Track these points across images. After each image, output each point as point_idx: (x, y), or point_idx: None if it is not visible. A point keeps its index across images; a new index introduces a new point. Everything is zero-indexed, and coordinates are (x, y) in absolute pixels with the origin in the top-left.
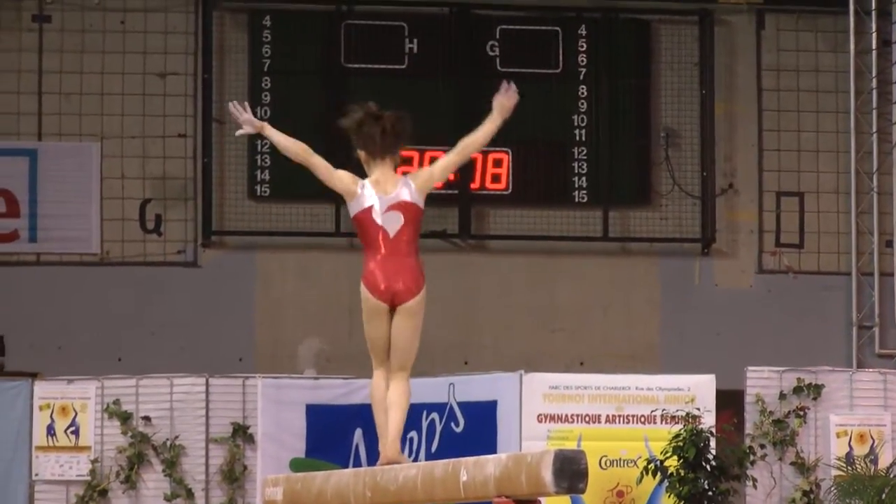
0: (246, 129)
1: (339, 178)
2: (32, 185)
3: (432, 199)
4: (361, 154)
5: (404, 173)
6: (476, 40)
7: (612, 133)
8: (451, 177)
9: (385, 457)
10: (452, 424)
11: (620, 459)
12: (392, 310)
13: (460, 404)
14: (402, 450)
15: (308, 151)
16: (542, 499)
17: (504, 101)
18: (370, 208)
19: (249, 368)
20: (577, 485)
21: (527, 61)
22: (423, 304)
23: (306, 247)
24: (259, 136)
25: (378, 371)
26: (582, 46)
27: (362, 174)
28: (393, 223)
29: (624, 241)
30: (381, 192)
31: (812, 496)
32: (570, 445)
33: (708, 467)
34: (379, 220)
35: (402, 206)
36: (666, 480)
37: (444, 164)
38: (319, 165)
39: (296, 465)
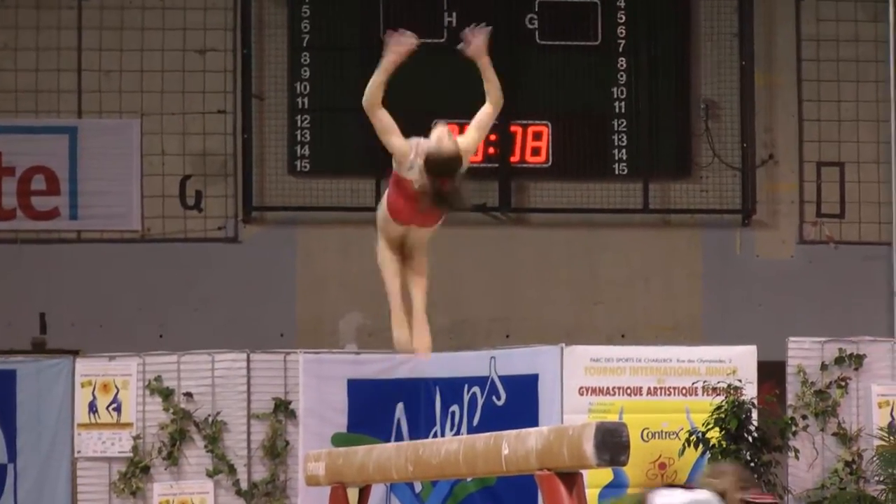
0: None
1: (398, 146)
2: (73, 163)
3: (472, 172)
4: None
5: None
6: (515, 13)
7: (652, 105)
8: (492, 150)
9: (402, 342)
10: (494, 398)
11: (662, 432)
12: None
13: (501, 378)
14: (444, 422)
15: (377, 105)
16: (583, 472)
17: (479, 44)
18: (412, 181)
19: (291, 344)
20: (618, 457)
21: (566, 34)
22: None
23: (347, 222)
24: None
25: (382, 245)
26: (621, 18)
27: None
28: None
29: (664, 213)
30: None
31: (854, 466)
32: (612, 418)
33: (750, 439)
34: (417, 189)
35: None
36: (708, 452)
37: (480, 129)
38: (382, 120)
39: (338, 441)
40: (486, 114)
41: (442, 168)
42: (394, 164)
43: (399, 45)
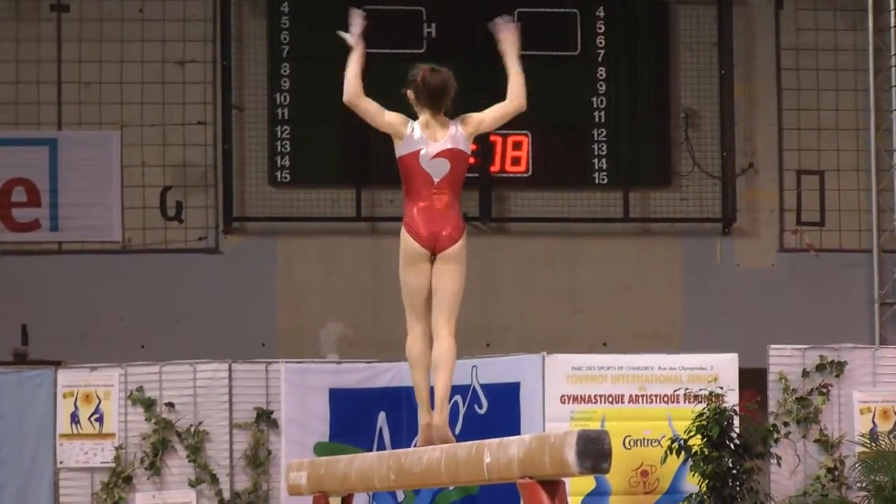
0: (348, 37)
1: (390, 122)
2: (53, 174)
3: None
4: (410, 95)
5: (454, 116)
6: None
7: (632, 114)
8: (472, 160)
9: (429, 435)
10: (476, 406)
11: (644, 439)
12: (432, 259)
13: (483, 386)
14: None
15: (359, 95)
16: (566, 480)
17: (509, 36)
18: (417, 153)
19: (272, 354)
20: (600, 465)
21: (545, 44)
22: (464, 250)
23: (327, 232)
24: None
25: (413, 330)
26: (600, 28)
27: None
28: (439, 170)
29: (645, 221)
30: (430, 137)
31: (836, 473)
32: (594, 426)
33: (732, 446)
34: (425, 166)
35: (449, 154)
36: (690, 459)
37: (494, 115)
38: (369, 108)
39: (320, 450)
40: (504, 106)
41: (435, 82)
42: (395, 147)
43: (358, 29)
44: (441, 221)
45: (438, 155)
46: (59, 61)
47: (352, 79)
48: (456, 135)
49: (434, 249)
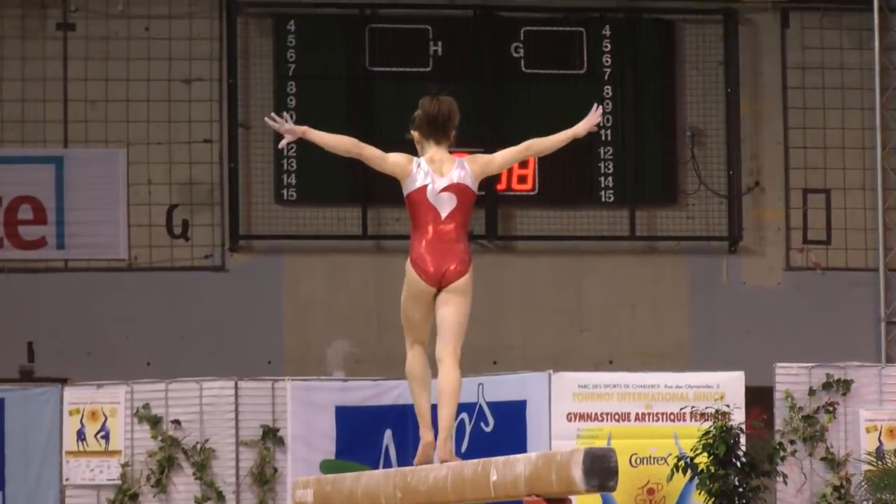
0: (288, 138)
1: (395, 163)
2: (59, 192)
3: None
4: (415, 135)
5: (461, 157)
6: (500, 42)
7: (638, 133)
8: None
9: (428, 454)
10: (482, 424)
11: (650, 457)
12: (437, 293)
13: (490, 404)
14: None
15: (358, 144)
16: (572, 497)
17: (591, 118)
18: (424, 188)
19: (278, 371)
20: (607, 483)
21: (551, 63)
22: (470, 284)
23: (333, 250)
24: (301, 140)
25: (413, 349)
26: (606, 47)
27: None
28: (446, 205)
29: (651, 240)
30: (437, 173)
31: (843, 491)
32: (600, 444)
33: (738, 464)
34: (432, 201)
35: (456, 189)
36: (696, 477)
37: (505, 157)
38: (372, 155)
39: (326, 467)
40: (516, 152)
41: (435, 112)
42: (403, 186)
43: (285, 124)
44: (448, 257)
45: (445, 189)
46: (66, 79)
47: (334, 140)
48: (463, 171)
49: (440, 285)
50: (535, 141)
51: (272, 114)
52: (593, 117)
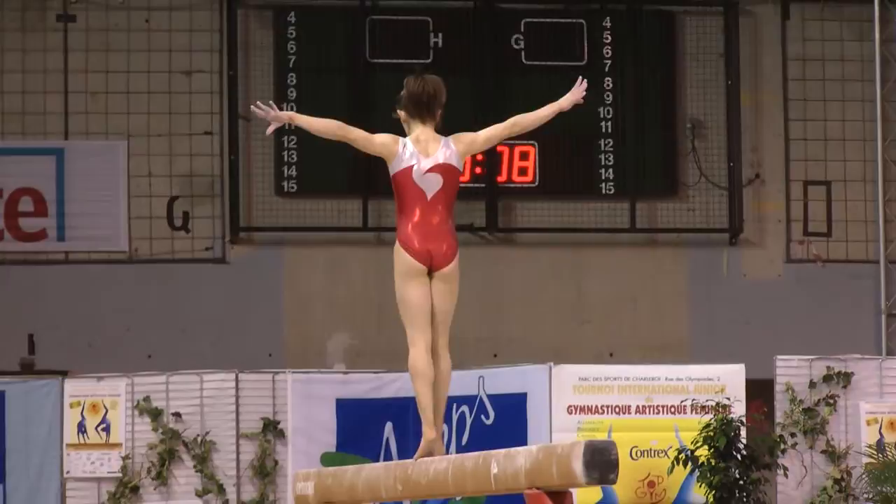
0: (275, 125)
1: (381, 143)
2: (60, 184)
3: (458, 193)
4: (402, 114)
5: (446, 135)
6: (501, 34)
7: (639, 125)
8: (479, 170)
9: (430, 450)
10: (483, 417)
11: (651, 450)
12: (429, 274)
13: (490, 397)
14: None
15: (343, 127)
16: (573, 490)
17: (576, 91)
18: (410, 168)
19: (279, 364)
20: (607, 475)
21: (552, 54)
22: (457, 269)
23: (334, 242)
24: (289, 127)
25: (417, 343)
26: (607, 39)
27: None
28: (431, 185)
29: (651, 232)
30: (423, 153)
31: (843, 484)
32: (601, 436)
33: (738, 456)
34: (418, 181)
35: (441, 169)
36: (697, 470)
37: (488, 135)
38: (358, 137)
39: (327, 460)
40: (500, 128)
41: (419, 91)
42: (389, 167)
43: (270, 111)
44: (436, 237)
45: (431, 170)
46: (66, 72)
47: (319, 124)
48: (448, 150)
49: (431, 265)
50: (520, 117)
51: (258, 101)
52: (578, 90)
